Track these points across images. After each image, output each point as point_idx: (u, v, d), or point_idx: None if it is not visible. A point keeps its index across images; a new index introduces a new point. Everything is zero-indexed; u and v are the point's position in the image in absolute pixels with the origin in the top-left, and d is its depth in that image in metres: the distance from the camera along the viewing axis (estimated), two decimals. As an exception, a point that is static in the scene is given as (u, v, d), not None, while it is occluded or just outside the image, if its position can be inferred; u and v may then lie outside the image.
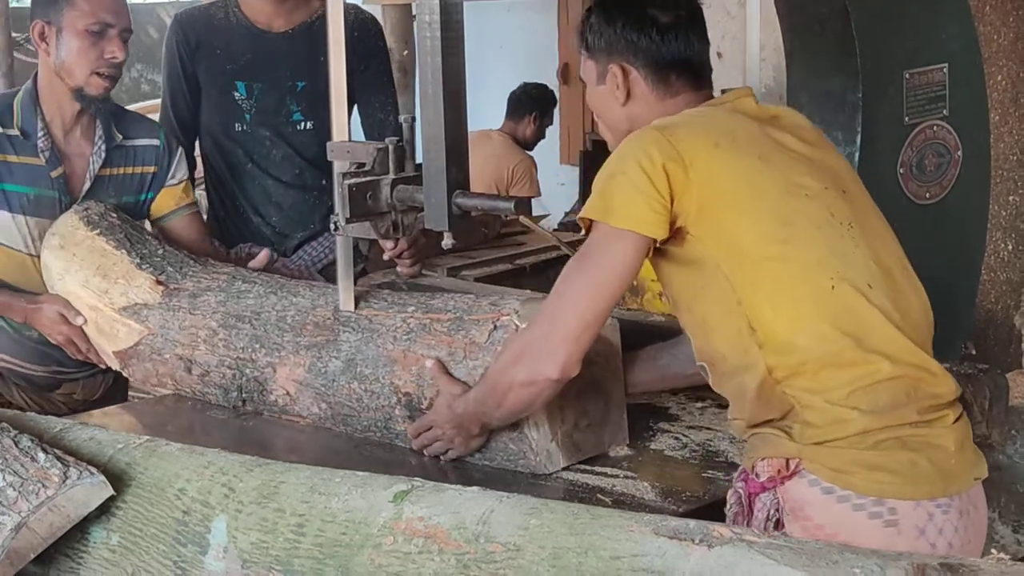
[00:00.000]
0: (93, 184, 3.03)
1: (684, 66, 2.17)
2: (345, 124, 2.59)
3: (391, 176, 2.49)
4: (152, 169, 3.13)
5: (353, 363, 2.45)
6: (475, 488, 1.56)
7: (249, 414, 2.61)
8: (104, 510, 1.73)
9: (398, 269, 3.11)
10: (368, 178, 2.47)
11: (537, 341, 2.03)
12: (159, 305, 2.78)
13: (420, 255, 3.07)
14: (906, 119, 3.56)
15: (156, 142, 3.15)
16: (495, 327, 2.27)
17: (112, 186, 3.08)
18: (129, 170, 3.11)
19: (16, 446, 1.76)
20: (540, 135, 6.94)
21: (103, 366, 2.95)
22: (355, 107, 3.36)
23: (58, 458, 1.74)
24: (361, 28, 3.44)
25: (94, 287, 2.86)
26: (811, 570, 1.25)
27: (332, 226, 2.52)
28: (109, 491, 1.72)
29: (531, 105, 6.85)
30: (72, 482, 1.69)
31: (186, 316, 2.74)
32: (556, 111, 7.30)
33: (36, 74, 3.03)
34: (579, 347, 2.00)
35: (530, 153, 6.84)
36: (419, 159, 2.49)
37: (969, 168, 3.74)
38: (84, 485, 1.70)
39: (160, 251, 2.93)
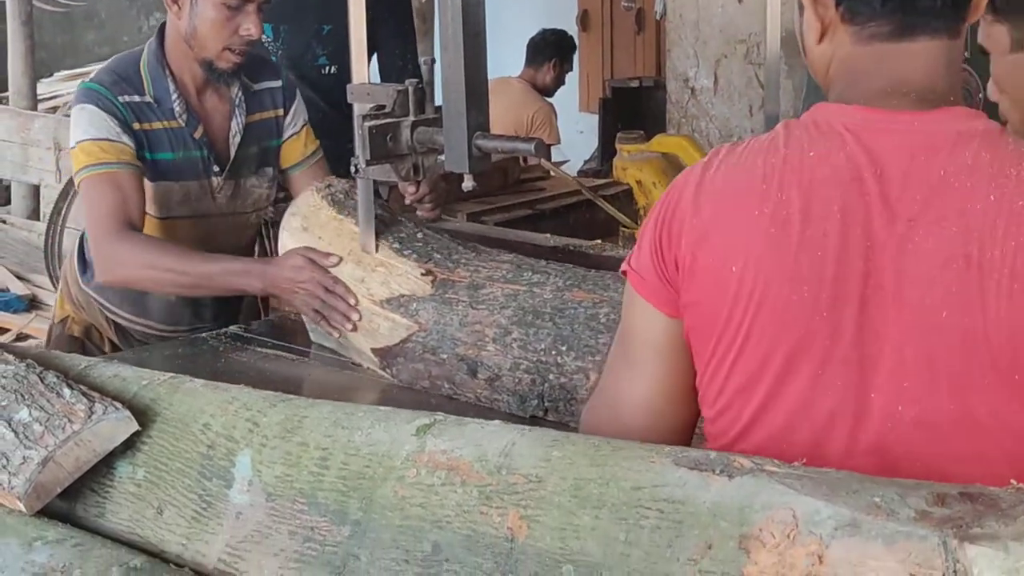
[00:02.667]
0: (241, 140, 2.94)
1: None
2: (365, 67, 2.59)
3: (411, 118, 2.50)
4: (279, 112, 3.03)
5: None
6: (497, 422, 1.57)
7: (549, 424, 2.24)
8: (129, 445, 1.74)
9: (418, 214, 3.12)
10: (388, 120, 2.48)
11: None
12: (431, 297, 2.46)
13: (440, 200, 3.08)
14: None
15: (278, 83, 3.04)
16: None
17: (253, 135, 2.98)
18: (261, 116, 3.00)
19: (42, 382, 1.78)
20: (560, 82, 6.94)
21: (344, 327, 2.58)
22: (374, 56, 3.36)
23: (83, 394, 1.76)
24: None
25: (347, 275, 2.58)
26: (831, 499, 1.26)
27: (352, 168, 2.53)
28: (134, 426, 1.73)
29: (550, 51, 6.84)
30: (98, 417, 1.71)
31: (467, 311, 2.41)
32: (576, 58, 7.27)
33: (161, 32, 2.89)
34: None
35: (549, 100, 6.84)
36: (439, 101, 2.49)
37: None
38: (110, 420, 1.72)
39: (419, 234, 2.63)
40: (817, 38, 1.53)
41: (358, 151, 2.49)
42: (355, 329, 2.58)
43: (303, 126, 3.09)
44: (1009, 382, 1.39)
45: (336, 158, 3.45)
